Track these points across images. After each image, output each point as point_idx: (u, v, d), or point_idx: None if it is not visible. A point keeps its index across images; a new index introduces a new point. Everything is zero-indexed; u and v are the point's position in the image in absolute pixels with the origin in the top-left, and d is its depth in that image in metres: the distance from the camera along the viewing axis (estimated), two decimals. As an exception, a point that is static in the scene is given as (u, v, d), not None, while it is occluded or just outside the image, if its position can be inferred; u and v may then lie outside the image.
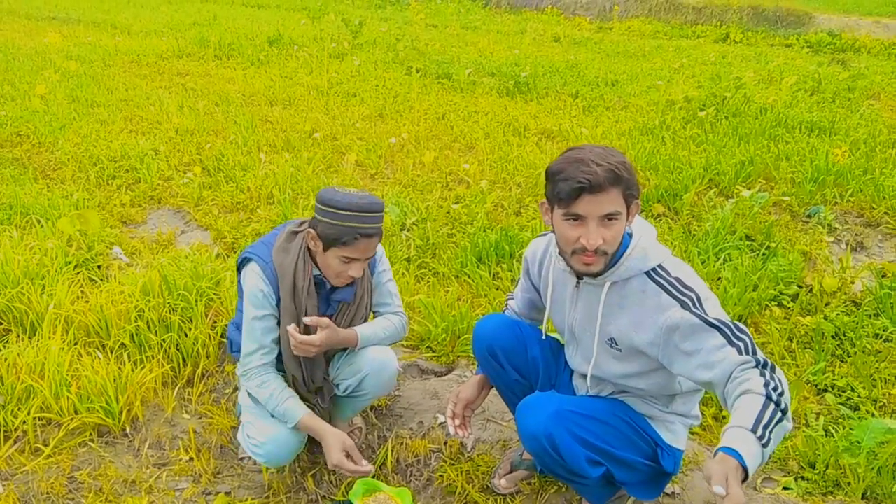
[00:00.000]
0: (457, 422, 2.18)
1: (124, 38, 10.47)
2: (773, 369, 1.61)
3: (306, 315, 2.16)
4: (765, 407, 1.52)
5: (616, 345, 1.89)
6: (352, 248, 2.06)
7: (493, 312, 2.28)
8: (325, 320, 2.14)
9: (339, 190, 2.08)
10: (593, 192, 1.69)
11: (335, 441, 2.10)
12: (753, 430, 1.49)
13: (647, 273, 1.82)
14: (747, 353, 1.64)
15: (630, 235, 1.85)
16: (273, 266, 2.16)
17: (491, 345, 2.16)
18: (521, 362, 2.15)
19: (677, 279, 1.79)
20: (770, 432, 1.51)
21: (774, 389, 1.55)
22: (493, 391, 2.32)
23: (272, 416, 2.20)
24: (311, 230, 2.11)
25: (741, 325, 1.70)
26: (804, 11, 13.52)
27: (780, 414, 1.54)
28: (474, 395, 2.23)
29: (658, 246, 1.87)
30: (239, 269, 2.27)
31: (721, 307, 1.78)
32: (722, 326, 1.68)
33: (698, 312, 1.71)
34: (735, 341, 1.66)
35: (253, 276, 2.16)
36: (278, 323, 2.20)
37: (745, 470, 1.44)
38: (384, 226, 2.33)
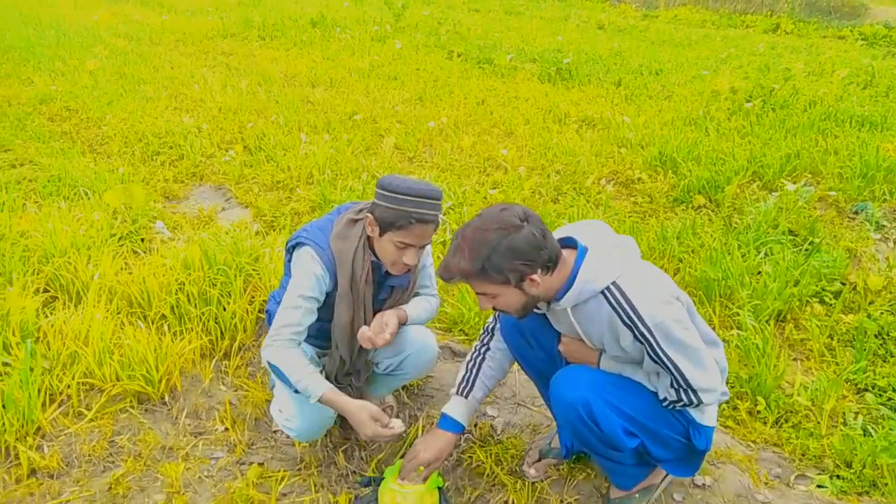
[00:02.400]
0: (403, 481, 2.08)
1: (171, 17, 10.63)
2: (690, 397, 1.85)
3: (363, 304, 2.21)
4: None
5: (603, 346, 1.95)
6: (406, 232, 2.05)
7: None
8: (389, 320, 2.20)
9: (400, 176, 2.10)
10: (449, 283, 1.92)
11: (363, 414, 2.05)
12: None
13: (602, 293, 1.81)
14: (675, 387, 1.85)
15: (585, 250, 1.86)
16: (330, 252, 2.16)
17: (518, 323, 2.13)
18: (549, 341, 2.12)
19: (630, 305, 1.77)
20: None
21: (664, 400, 1.89)
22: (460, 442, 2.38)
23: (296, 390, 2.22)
24: (369, 214, 2.12)
25: (688, 365, 1.81)
26: (860, 3, 13.07)
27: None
28: (433, 457, 2.10)
29: (610, 261, 1.84)
30: (289, 251, 2.27)
31: (685, 319, 1.83)
32: (666, 366, 1.81)
33: (650, 349, 1.80)
34: (672, 381, 1.84)
35: (308, 260, 2.15)
36: (319, 310, 2.20)
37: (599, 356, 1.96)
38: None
